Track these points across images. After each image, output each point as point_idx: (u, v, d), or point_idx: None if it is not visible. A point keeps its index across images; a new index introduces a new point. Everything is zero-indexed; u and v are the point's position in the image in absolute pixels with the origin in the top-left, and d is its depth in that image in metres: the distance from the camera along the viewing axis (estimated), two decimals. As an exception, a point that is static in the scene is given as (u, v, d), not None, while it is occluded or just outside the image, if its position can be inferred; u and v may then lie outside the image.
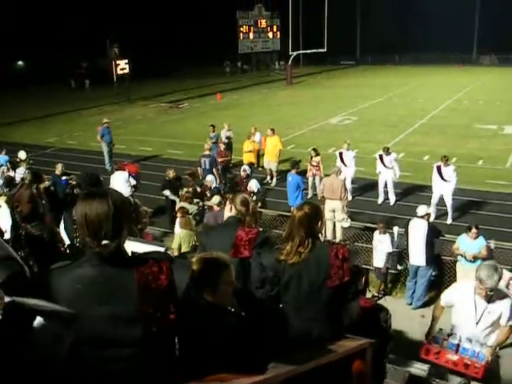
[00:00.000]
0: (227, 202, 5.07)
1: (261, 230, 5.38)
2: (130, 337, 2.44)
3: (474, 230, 9.56)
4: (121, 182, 8.50)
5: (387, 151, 15.56)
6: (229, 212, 4.94)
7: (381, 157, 15.59)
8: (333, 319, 4.29)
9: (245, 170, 14.77)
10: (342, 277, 4.16)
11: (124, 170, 12.90)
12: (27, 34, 62.35)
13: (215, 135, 19.52)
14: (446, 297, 6.25)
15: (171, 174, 14.49)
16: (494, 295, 5.66)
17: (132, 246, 2.87)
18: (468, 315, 5.86)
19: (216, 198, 11.26)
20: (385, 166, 15.50)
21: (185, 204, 12.27)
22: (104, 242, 2.43)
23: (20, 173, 14.89)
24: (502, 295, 5.81)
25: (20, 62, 75.51)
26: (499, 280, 5.52)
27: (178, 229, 10.70)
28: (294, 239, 4.15)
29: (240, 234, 4.68)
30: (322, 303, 4.21)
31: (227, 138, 19.72)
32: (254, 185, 13.32)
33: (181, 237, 10.00)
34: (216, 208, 10.93)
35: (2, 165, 16.28)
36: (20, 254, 3.06)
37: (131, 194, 7.53)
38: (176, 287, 2.58)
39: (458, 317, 6.05)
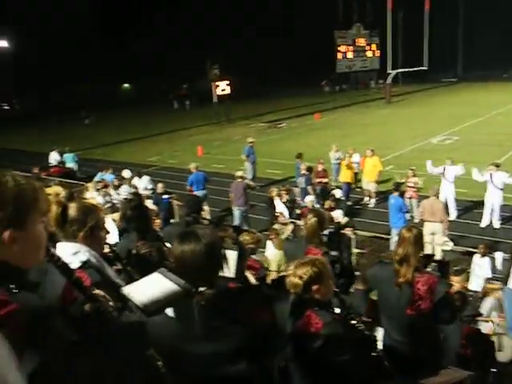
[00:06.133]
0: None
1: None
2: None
3: None
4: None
5: (497, 167, 14.90)
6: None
7: (491, 175, 14.83)
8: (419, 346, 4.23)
9: (333, 195, 14.39)
10: (420, 306, 4.13)
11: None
12: (132, 59, 65.62)
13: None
14: None
15: (274, 192, 14.24)
16: None
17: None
18: None
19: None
20: (494, 185, 14.71)
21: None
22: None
23: (124, 191, 15.24)
24: None
25: (126, 85, 79.34)
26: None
27: (272, 249, 10.66)
28: (409, 261, 4.16)
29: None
30: (405, 328, 4.20)
31: (337, 159, 19.55)
32: (338, 193, 13.12)
33: (278, 259, 10.00)
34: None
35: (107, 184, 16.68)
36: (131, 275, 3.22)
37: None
38: None
39: None
